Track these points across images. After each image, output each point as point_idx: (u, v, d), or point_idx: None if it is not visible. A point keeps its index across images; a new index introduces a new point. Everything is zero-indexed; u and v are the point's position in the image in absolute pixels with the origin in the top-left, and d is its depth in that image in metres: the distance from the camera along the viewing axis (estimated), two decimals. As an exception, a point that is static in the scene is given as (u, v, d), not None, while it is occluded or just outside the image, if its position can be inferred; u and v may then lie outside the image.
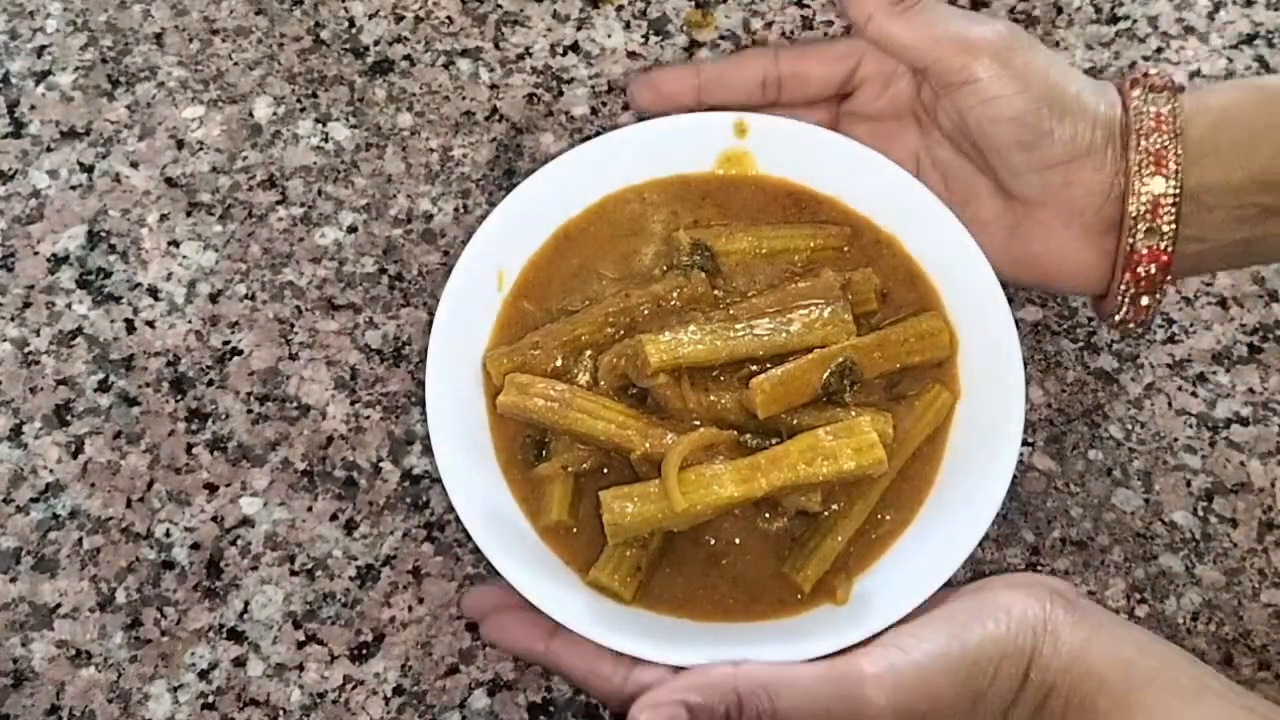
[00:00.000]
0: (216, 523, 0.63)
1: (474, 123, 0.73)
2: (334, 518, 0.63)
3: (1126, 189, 0.58)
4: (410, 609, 0.62)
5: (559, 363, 0.60)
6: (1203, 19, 0.76)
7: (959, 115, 0.61)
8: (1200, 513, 0.64)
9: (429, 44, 0.75)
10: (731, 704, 0.50)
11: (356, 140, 0.72)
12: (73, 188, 0.70)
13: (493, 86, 0.74)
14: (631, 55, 0.75)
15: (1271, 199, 0.58)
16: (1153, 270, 0.59)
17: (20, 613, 0.61)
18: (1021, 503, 0.64)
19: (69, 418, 0.65)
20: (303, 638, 0.61)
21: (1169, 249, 0.58)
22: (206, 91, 0.73)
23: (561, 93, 0.74)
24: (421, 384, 0.59)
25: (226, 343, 0.67)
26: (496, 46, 0.75)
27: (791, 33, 0.76)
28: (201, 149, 0.72)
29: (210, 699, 0.60)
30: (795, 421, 0.58)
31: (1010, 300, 0.61)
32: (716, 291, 0.62)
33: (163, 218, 0.70)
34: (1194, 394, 0.67)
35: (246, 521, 0.63)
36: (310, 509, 0.64)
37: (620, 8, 0.76)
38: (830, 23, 0.76)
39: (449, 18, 0.76)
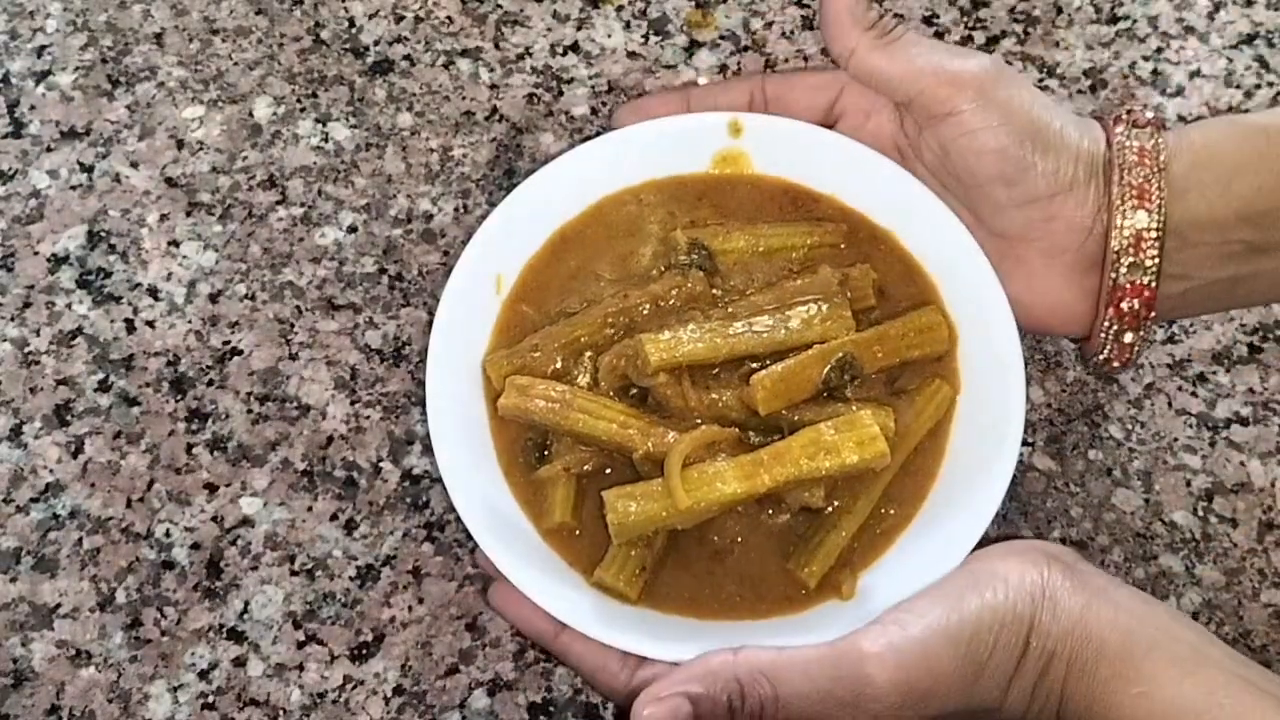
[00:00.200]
0: (216, 523, 0.63)
1: (474, 123, 0.73)
2: (334, 518, 0.63)
3: (1109, 224, 0.58)
4: (410, 609, 0.62)
5: (559, 364, 0.60)
6: (1203, 19, 0.76)
7: (942, 148, 0.60)
8: (1200, 513, 0.64)
9: (429, 44, 0.75)
10: (733, 692, 0.51)
11: (356, 140, 0.72)
12: (73, 188, 0.70)
13: (493, 86, 0.74)
14: (631, 55, 0.75)
15: (1255, 235, 0.58)
16: (1136, 305, 0.58)
17: (20, 613, 0.61)
18: (1021, 503, 0.64)
19: (69, 418, 0.65)
20: (303, 638, 0.61)
21: (1153, 284, 0.58)
22: (206, 91, 0.73)
23: (561, 93, 0.74)
24: (421, 384, 0.59)
25: (226, 343, 0.67)
26: (496, 46, 0.75)
27: (791, 33, 0.76)
28: (201, 149, 0.72)
29: (210, 699, 0.60)
30: (796, 417, 0.58)
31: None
32: (715, 290, 0.62)
33: (163, 218, 0.70)
34: (1194, 394, 0.67)
35: (246, 521, 0.63)
36: (310, 509, 0.64)
37: (620, 8, 0.76)
38: (830, 23, 0.76)
39: (449, 18, 0.76)
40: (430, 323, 0.60)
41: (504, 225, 0.63)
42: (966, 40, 0.75)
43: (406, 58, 0.74)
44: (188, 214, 0.70)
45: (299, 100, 0.73)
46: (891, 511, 0.59)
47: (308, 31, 0.75)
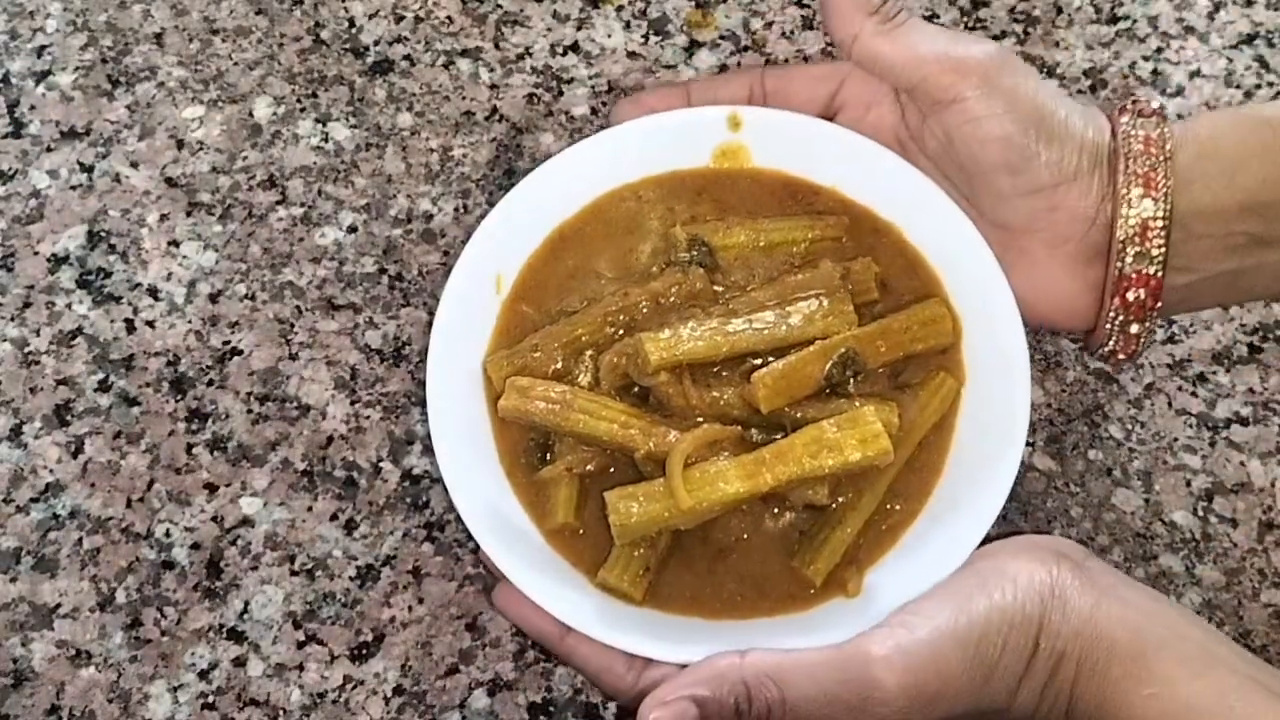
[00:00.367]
0: (216, 523, 0.63)
1: (474, 123, 0.73)
2: (334, 518, 0.63)
3: (1114, 213, 0.57)
4: (410, 609, 0.62)
5: (559, 364, 0.60)
6: (1203, 19, 0.76)
7: (945, 136, 0.60)
8: (1200, 513, 0.64)
9: (429, 44, 0.75)
10: (740, 695, 0.50)
11: (356, 140, 0.72)
12: (73, 188, 0.70)
13: (493, 86, 0.74)
14: (631, 55, 0.75)
15: (1259, 226, 0.57)
16: (1142, 295, 0.58)
17: (20, 613, 0.61)
18: (1021, 503, 0.64)
19: (69, 418, 0.65)
20: (303, 638, 0.61)
21: (1159, 273, 0.57)
22: (206, 91, 0.73)
23: (561, 93, 0.74)
24: (421, 384, 0.59)
25: (226, 343, 0.67)
26: (496, 46, 0.75)
27: (791, 32, 0.76)
28: (201, 149, 0.72)
29: (210, 699, 0.60)
30: (799, 415, 0.58)
31: None
32: (715, 287, 0.61)
33: (163, 218, 0.70)
34: (1194, 394, 0.67)
35: (246, 521, 0.63)
36: (310, 509, 0.64)
37: (620, 8, 0.76)
38: (830, 23, 0.76)
39: (449, 18, 0.76)
40: (430, 323, 0.60)
41: (503, 225, 0.62)
42: (966, 40, 0.76)
43: (406, 58, 0.74)
44: (188, 214, 0.70)
45: (299, 100, 0.73)
46: (896, 507, 0.58)
47: (308, 31, 0.75)
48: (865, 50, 0.60)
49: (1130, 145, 0.57)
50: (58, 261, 0.69)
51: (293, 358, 0.67)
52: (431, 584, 0.62)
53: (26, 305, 0.68)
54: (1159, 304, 0.58)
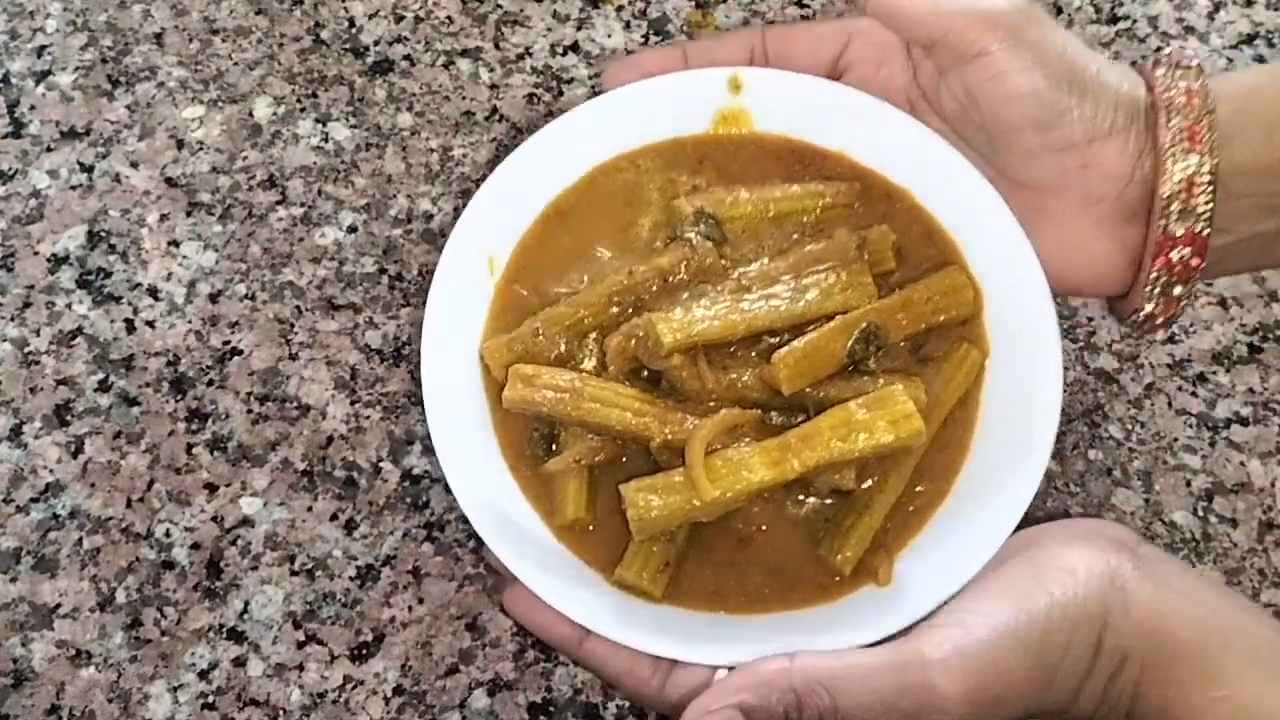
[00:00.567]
0: (216, 523, 0.63)
1: (474, 123, 0.73)
2: (334, 518, 0.63)
3: (1156, 169, 0.54)
4: (410, 609, 0.62)
5: (562, 348, 0.56)
6: (1203, 19, 0.76)
7: (967, 94, 0.57)
8: (1200, 513, 0.64)
9: (429, 44, 0.75)
10: (789, 703, 0.47)
11: (356, 140, 0.72)
12: (73, 188, 0.70)
13: (493, 86, 0.74)
14: (631, 55, 0.75)
15: None
16: (1186, 254, 0.54)
17: (20, 613, 0.61)
18: (1021, 503, 0.64)
19: (69, 418, 0.65)
20: (303, 638, 0.61)
21: (1204, 231, 0.54)
22: (206, 91, 0.73)
23: (561, 93, 0.74)
24: (421, 384, 0.58)
25: (226, 343, 0.67)
26: (496, 46, 0.75)
27: (791, 33, 0.76)
28: (201, 149, 0.72)
29: (210, 699, 0.60)
30: (821, 394, 0.55)
31: None
32: (723, 260, 0.58)
33: (163, 218, 0.70)
34: (1194, 394, 0.67)
35: (246, 521, 0.63)
36: (310, 509, 0.64)
37: (620, 8, 0.76)
38: (830, 23, 0.76)
39: (449, 18, 0.76)
40: None
41: (493, 203, 0.59)
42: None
43: (406, 58, 0.74)
44: (188, 214, 0.70)
45: (299, 100, 0.73)
46: (924, 488, 0.56)
47: (308, 31, 0.75)
48: (882, 4, 0.58)
49: (1172, 98, 0.55)
50: (58, 261, 0.69)
51: (293, 358, 0.67)
52: (431, 584, 0.62)
53: (26, 305, 0.68)
54: (1203, 264, 0.55)
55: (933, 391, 0.56)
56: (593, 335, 0.57)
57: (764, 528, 0.55)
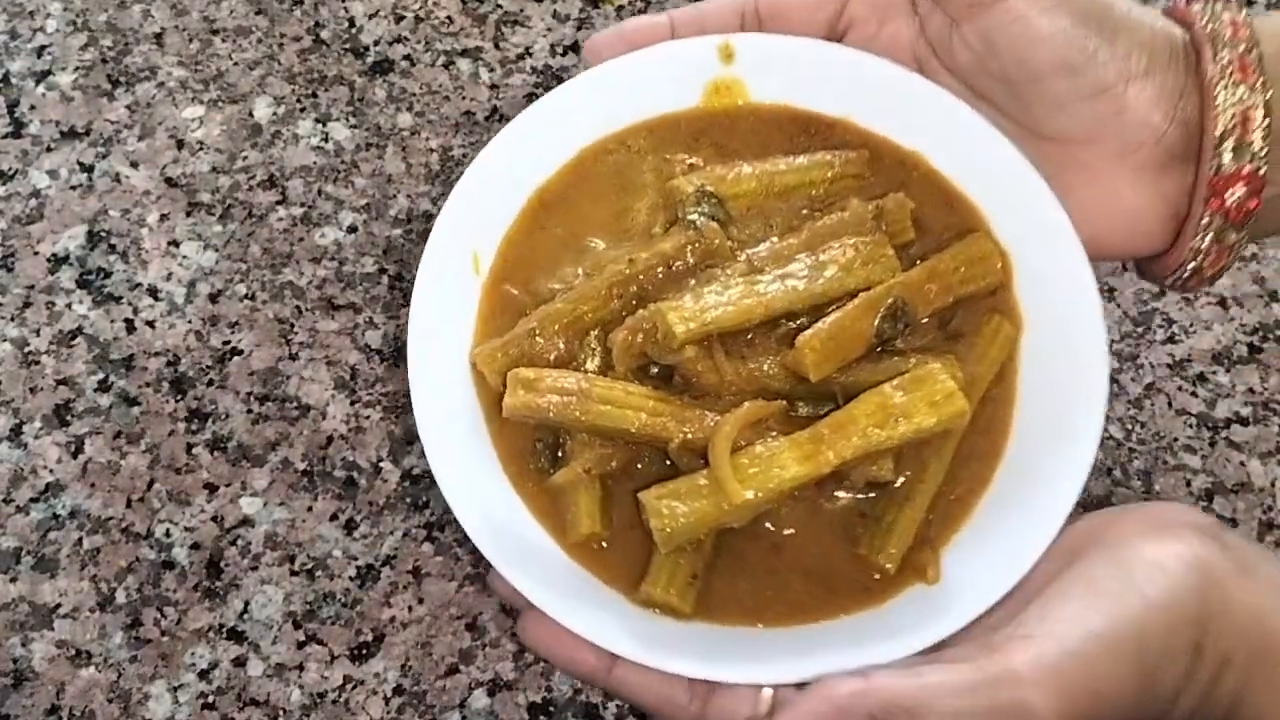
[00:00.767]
0: (216, 523, 0.63)
1: (474, 123, 0.73)
2: (334, 518, 0.63)
3: (1203, 108, 0.50)
4: (410, 609, 0.62)
5: (561, 349, 0.52)
6: None
7: (985, 42, 0.53)
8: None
9: (429, 44, 0.75)
10: None
11: (356, 140, 0.72)
12: (73, 188, 0.70)
13: (493, 86, 0.74)
14: (631, 55, 0.75)
15: None
16: (1242, 195, 0.50)
17: (20, 613, 0.61)
18: (1021, 503, 0.64)
19: (69, 418, 0.65)
20: (303, 638, 0.61)
21: (1261, 169, 0.50)
22: (206, 91, 0.73)
23: (561, 93, 0.74)
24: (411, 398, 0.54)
25: (226, 343, 0.67)
26: (496, 46, 0.75)
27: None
28: (201, 149, 0.72)
29: (210, 699, 0.60)
30: (849, 379, 0.51)
31: None
32: (730, 242, 0.54)
33: (163, 218, 0.70)
34: (1194, 394, 0.67)
35: (246, 521, 0.63)
36: (310, 509, 0.64)
37: (620, 8, 0.76)
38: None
39: (449, 18, 0.76)
40: None
41: (473, 195, 0.55)
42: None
43: (406, 58, 0.74)
44: (188, 214, 0.70)
45: (299, 100, 0.73)
46: (964, 476, 0.52)
47: (308, 31, 0.75)
48: None
49: (1216, 30, 0.51)
50: (58, 261, 0.69)
51: (293, 358, 0.67)
52: (431, 584, 0.62)
53: (26, 305, 0.68)
54: (1259, 206, 0.51)
55: (967, 369, 0.52)
56: (594, 333, 0.53)
57: (798, 530, 0.51)
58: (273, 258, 0.69)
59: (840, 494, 0.51)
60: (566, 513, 0.51)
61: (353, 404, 0.66)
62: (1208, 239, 0.52)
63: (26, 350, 0.67)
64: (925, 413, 0.49)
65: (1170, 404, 0.67)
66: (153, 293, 0.68)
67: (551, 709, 0.60)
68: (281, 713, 0.60)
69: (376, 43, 0.75)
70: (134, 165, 0.71)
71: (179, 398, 0.66)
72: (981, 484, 0.51)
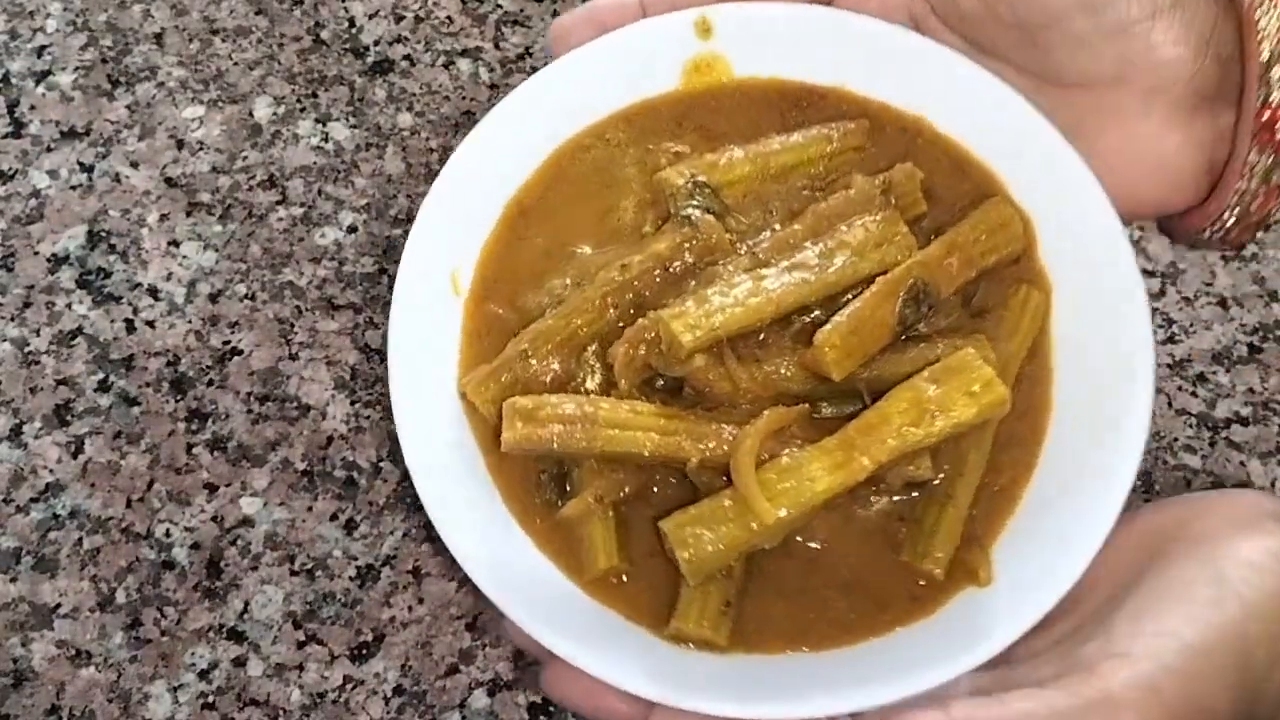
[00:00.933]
0: (216, 523, 0.63)
1: (474, 123, 0.73)
2: (334, 518, 0.63)
3: (1241, 36, 0.46)
4: (410, 609, 0.62)
5: (557, 369, 0.48)
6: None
7: None
8: (1200, 513, 0.64)
9: (429, 44, 0.75)
10: None
11: (356, 140, 0.72)
12: (73, 188, 0.70)
13: (493, 86, 0.74)
14: (631, 55, 0.75)
15: None
16: None
17: (20, 613, 0.61)
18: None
19: (69, 418, 0.65)
20: (303, 638, 0.61)
21: None
22: (206, 91, 0.73)
23: (561, 93, 0.74)
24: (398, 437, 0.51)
25: (226, 343, 0.67)
26: (496, 46, 0.75)
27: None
28: (201, 149, 0.72)
29: (210, 699, 0.60)
30: (874, 374, 0.47)
31: None
32: (729, 235, 0.50)
33: (163, 218, 0.70)
34: (1194, 394, 0.67)
35: (246, 521, 0.63)
36: (310, 509, 0.64)
37: None
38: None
39: (449, 18, 0.76)
40: None
41: (445, 210, 0.51)
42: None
43: (406, 58, 0.74)
44: (188, 214, 0.70)
45: (299, 100, 0.73)
46: (1006, 463, 0.48)
47: (308, 31, 0.75)
48: None
49: None
50: (58, 261, 0.69)
51: (293, 358, 0.67)
52: (431, 584, 0.62)
53: (26, 305, 0.68)
54: None
55: (998, 348, 0.48)
56: (591, 348, 0.49)
57: (833, 542, 0.47)
58: (273, 258, 0.69)
59: (874, 499, 0.48)
60: (580, 548, 0.47)
61: (353, 404, 0.66)
62: (1254, 180, 0.47)
63: (26, 350, 0.67)
64: (963, 405, 0.45)
65: (1170, 404, 0.67)
66: (153, 293, 0.68)
67: (551, 709, 0.60)
68: (281, 713, 0.60)
69: (376, 43, 0.75)
70: (134, 165, 0.71)
71: (179, 398, 0.66)
72: (1025, 472, 0.48)
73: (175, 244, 0.69)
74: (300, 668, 0.61)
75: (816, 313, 0.48)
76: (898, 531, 0.47)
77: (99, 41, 0.74)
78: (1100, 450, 0.46)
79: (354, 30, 0.75)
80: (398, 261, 0.69)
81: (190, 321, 0.67)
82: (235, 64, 0.74)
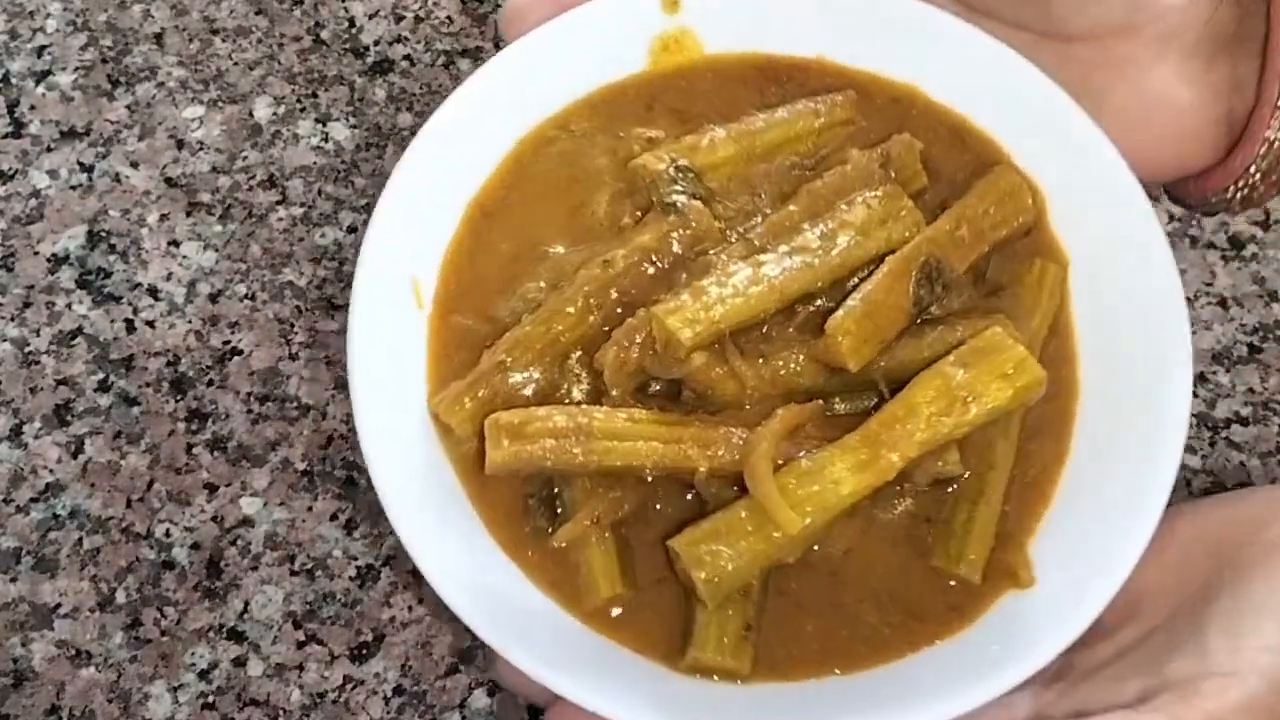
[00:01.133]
0: (216, 523, 0.63)
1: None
2: (334, 518, 0.63)
3: None
4: (410, 609, 0.62)
5: (539, 380, 0.44)
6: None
7: None
8: (1200, 513, 0.64)
9: (429, 44, 0.75)
10: None
11: (356, 140, 0.72)
12: (73, 188, 0.70)
13: (493, 86, 0.74)
14: (631, 55, 0.75)
15: None
16: None
17: (20, 613, 0.61)
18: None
19: (69, 418, 0.65)
20: (303, 638, 0.61)
21: None
22: (206, 91, 0.73)
23: (561, 93, 0.74)
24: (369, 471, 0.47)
25: (226, 342, 0.67)
26: (496, 46, 0.75)
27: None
28: (201, 149, 0.71)
29: (210, 699, 0.60)
30: (890, 362, 0.44)
31: None
32: (717, 222, 0.46)
33: (163, 218, 0.70)
34: (1194, 394, 0.67)
35: (246, 521, 0.63)
36: (310, 509, 0.64)
37: None
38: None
39: (449, 18, 0.76)
40: None
41: (400, 216, 0.46)
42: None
43: (406, 58, 0.74)
44: (188, 214, 0.70)
45: (299, 100, 0.73)
46: (1035, 451, 0.45)
47: (308, 31, 0.75)
48: None
49: None
50: (58, 261, 0.69)
51: (293, 358, 0.67)
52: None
53: (26, 305, 0.68)
54: None
55: (1024, 326, 0.45)
56: (575, 355, 0.45)
57: (855, 550, 0.44)
58: (273, 258, 0.69)
59: (897, 500, 0.44)
60: (578, 577, 0.44)
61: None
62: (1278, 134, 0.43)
63: (26, 350, 0.67)
64: (997, 388, 0.41)
65: (1170, 404, 0.67)
66: (153, 293, 0.68)
67: (551, 709, 0.60)
68: (281, 713, 0.60)
69: (376, 43, 0.75)
70: (134, 165, 0.71)
71: (179, 398, 0.66)
72: (1056, 461, 0.44)
73: (175, 244, 0.69)
74: (300, 668, 0.61)
75: (821, 300, 0.45)
76: (925, 534, 0.44)
77: (99, 41, 0.74)
78: (1136, 434, 0.43)
79: (354, 30, 0.75)
80: (398, 261, 0.69)
81: (190, 321, 0.67)
82: (235, 64, 0.74)
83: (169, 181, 0.71)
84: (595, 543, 0.43)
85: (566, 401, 0.44)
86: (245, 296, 0.68)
